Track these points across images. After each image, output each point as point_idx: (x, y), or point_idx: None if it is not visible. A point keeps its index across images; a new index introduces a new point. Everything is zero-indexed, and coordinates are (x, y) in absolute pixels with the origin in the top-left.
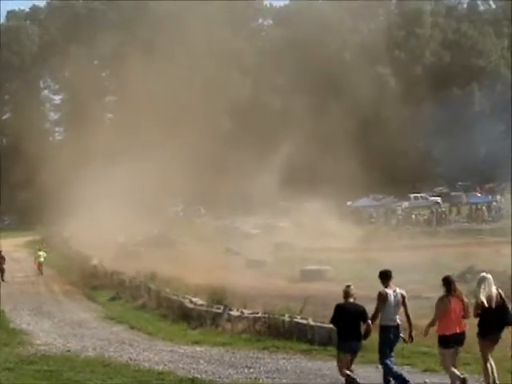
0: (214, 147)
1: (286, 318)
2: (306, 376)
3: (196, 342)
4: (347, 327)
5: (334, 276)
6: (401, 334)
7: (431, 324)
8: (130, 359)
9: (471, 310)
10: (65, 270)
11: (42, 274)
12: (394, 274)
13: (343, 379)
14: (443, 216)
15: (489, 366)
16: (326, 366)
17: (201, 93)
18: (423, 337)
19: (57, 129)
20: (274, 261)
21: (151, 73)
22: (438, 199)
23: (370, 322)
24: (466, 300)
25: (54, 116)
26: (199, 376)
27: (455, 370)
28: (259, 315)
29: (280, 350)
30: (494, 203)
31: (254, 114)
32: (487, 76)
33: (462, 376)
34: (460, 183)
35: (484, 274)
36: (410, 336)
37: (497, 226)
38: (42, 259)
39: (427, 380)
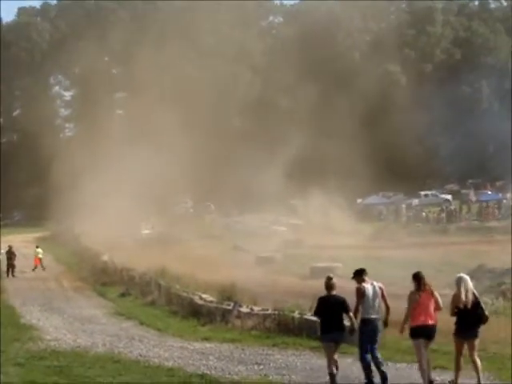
0: (223, 144)
1: (296, 314)
2: (316, 373)
3: (206, 339)
4: (330, 319)
5: (343, 273)
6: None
7: (405, 320)
8: (140, 355)
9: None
10: (75, 266)
11: (44, 269)
12: (402, 272)
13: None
14: (453, 214)
15: (478, 363)
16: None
17: (211, 90)
18: (399, 334)
19: (67, 125)
20: (284, 258)
21: (161, 70)
22: (448, 197)
23: (351, 315)
24: (436, 294)
25: (64, 112)
26: (209, 372)
27: (425, 366)
28: (269, 312)
29: (290, 347)
30: (504, 201)
31: (264, 112)
32: (497, 74)
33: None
34: (470, 181)
35: (461, 274)
36: (385, 322)
37: (507, 223)
38: (40, 256)
39: (437, 378)
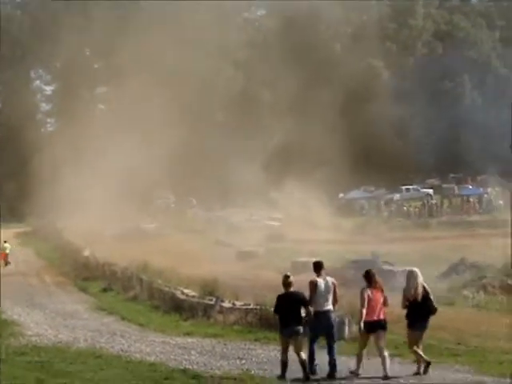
0: (206, 139)
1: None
2: (297, 367)
3: (188, 334)
4: (288, 314)
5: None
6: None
7: (361, 315)
8: (122, 350)
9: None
10: (56, 261)
11: (6, 264)
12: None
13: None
14: (435, 208)
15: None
16: (318, 357)
17: (192, 84)
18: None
19: (48, 120)
20: (266, 252)
21: (142, 65)
22: (430, 191)
23: (310, 308)
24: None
25: (45, 107)
26: (191, 367)
27: (362, 356)
28: (251, 307)
29: (271, 342)
30: (486, 195)
31: (246, 106)
32: (479, 68)
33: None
34: (452, 175)
35: (411, 268)
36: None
37: (488, 218)
38: (7, 251)
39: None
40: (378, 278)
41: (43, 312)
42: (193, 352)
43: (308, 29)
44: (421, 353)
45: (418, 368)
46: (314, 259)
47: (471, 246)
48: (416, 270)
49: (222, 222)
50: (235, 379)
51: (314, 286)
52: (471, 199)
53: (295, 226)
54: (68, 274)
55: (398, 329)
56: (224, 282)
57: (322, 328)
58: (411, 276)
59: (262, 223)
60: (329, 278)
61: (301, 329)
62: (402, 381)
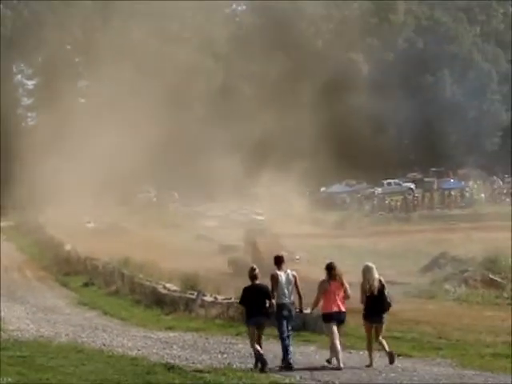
0: (187, 133)
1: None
2: (279, 361)
3: (169, 328)
4: (254, 305)
5: (306, 262)
6: (296, 310)
7: (315, 303)
8: (103, 345)
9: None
10: (38, 256)
11: None
12: (363, 260)
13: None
14: (416, 202)
15: (384, 343)
16: (299, 350)
17: (173, 78)
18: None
19: (29, 114)
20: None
21: (124, 58)
22: (411, 185)
23: (272, 301)
24: (346, 284)
25: (26, 101)
26: (172, 361)
27: (339, 349)
28: (232, 301)
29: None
30: (467, 189)
31: (227, 100)
32: (459, 63)
33: (340, 364)
34: (433, 169)
35: (367, 263)
36: (300, 309)
37: (469, 211)
38: None
39: (399, 365)
40: (339, 271)
41: (24, 307)
42: (174, 346)
43: (289, 24)
44: (385, 344)
45: (371, 362)
46: (300, 253)
47: (452, 240)
48: (372, 265)
49: (203, 216)
50: (217, 373)
51: (275, 279)
52: (452, 193)
53: (276, 221)
54: (49, 268)
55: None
56: (205, 276)
57: (287, 318)
58: (367, 271)
59: (248, 217)
60: (289, 271)
61: (265, 319)
62: (383, 374)
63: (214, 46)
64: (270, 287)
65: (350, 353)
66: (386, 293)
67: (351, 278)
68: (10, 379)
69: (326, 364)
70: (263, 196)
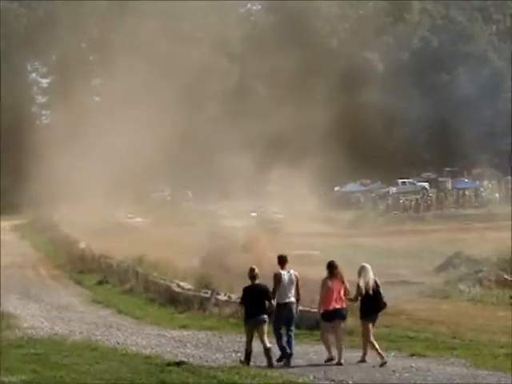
0: (201, 132)
1: (274, 302)
2: (293, 360)
3: (183, 326)
4: (254, 305)
5: (321, 261)
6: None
7: (320, 303)
8: (118, 343)
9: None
10: (52, 254)
11: None
12: (381, 260)
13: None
14: (430, 202)
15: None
16: (313, 349)
17: (188, 77)
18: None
19: (44, 112)
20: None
21: (138, 57)
22: (426, 185)
23: (272, 302)
24: (346, 282)
25: (41, 99)
26: (186, 360)
27: (330, 344)
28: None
29: (267, 335)
30: (481, 189)
31: (241, 99)
32: (474, 61)
33: (331, 354)
34: (447, 168)
35: (364, 264)
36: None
37: (483, 211)
38: None
39: (413, 364)
40: (340, 269)
41: (39, 304)
42: (188, 345)
43: (304, 23)
44: (376, 346)
45: (364, 357)
46: (314, 252)
47: (467, 240)
48: (367, 265)
49: (217, 214)
50: (230, 372)
51: (278, 278)
52: (467, 193)
53: (290, 219)
54: (64, 266)
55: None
56: (219, 275)
57: (285, 318)
58: (363, 271)
59: (267, 216)
60: (292, 271)
61: (265, 318)
62: (397, 374)
63: (228, 45)
64: (270, 287)
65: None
66: (381, 292)
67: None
68: (24, 377)
69: (330, 363)
70: (277, 194)
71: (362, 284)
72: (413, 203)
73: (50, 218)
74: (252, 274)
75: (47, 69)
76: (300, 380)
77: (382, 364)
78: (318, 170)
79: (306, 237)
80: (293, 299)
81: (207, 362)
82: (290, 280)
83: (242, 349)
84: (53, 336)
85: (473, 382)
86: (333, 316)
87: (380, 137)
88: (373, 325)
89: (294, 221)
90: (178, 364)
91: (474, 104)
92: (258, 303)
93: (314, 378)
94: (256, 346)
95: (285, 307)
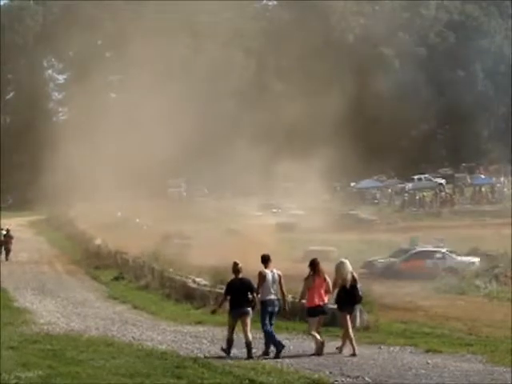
0: (218, 127)
1: (289, 298)
2: (309, 356)
3: (199, 322)
4: (237, 298)
5: (338, 257)
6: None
7: (301, 297)
8: (133, 339)
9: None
10: (68, 250)
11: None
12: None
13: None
14: (446, 198)
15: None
16: (329, 345)
17: (205, 73)
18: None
19: (60, 109)
20: (277, 241)
21: (155, 53)
22: (442, 181)
23: (255, 294)
24: (328, 279)
25: (57, 96)
26: (202, 356)
27: (316, 335)
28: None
29: (283, 331)
30: (498, 185)
31: (258, 95)
32: (491, 57)
33: (321, 340)
34: (464, 164)
35: (342, 259)
36: (284, 308)
37: (500, 207)
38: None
39: (429, 361)
40: (322, 267)
41: (55, 300)
42: (204, 341)
43: (320, 19)
44: (352, 338)
45: (341, 348)
46: (329, 248)
47: (483, 236)
48: (346, 260)
49: (232, 210)
50: (246, 367)
51: (262, 276)
52: (483, 189)
53: (306, 216)
54: (80, 262)
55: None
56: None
57: (269, 313)
58: (341, 266)
59: (287, 213)
60: (275, 270)
61: (249, 310)
62: (413, 370)
63: (244, 40)
64: (255, 283)
65: (380, 348)
66: (358, 287)
67: None
68: (40, 372)
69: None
70: (292, 190)
71: (339, 278)
72: (429, 199)
73: (66, 214)
74: (236, 268)
75: (63, 65)
76: (316, 376)
77: (352, 354)
78: (335, 166)
79: (321, 233)
80: (275, 296)
81: (223, 357)
82: (273, 278)
83: (258, 345)
84: (69, 332)
85: (489, 378)
86: (316, 312)
87: (396, 133)
88: (350, 317)
89: (309, 217)
90: (194, 360)
91: (490, 100)
92: (242, 296)
93: (330, 373)
94: (255, 337)
95: (268, 303)
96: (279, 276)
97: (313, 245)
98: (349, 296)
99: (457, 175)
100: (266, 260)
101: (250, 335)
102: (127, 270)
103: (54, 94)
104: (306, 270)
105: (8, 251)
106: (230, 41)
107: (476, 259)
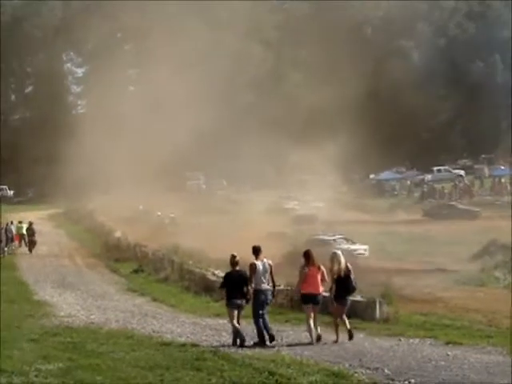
0: (236, 120)
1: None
2: (328, 348)
3: (218, 315)
4: (234, 289)
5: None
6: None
7: (298, 286)
8: (153, 331)
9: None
10: (88, 243)
11: (26, 245)
12: (417, 247)
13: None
14: (466, 189)
15: (347, 321)
16: (343, 337)
17: (223, 65)
18: (296, 296)
19: (79, 102)
20: (295, 233)
21: (173, 46)
22: (462, 172)
23: (250, 287)
24: (322, 268)
25: (76, 89)
26: (221, 348)
27: (312, 324)
28: (281, 288)
29: (302, 323)
30: None
31: (276, 86)
32: (511, 48)
33: (316, 331)
34: (483, 156)
35: (335, 250)
36: (273, 295)
37: None
38: (23, 231)
39: (449, 352)
40: (316, 257)
41: (75, 293)
42: (224, 333)
43: (339, 12)
44: (338, 327)
45: (337, 339)
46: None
47: (503, 228)
48: (339, 252)
49: (251, 203)
50: (266, 360)
51: (253, 268)
52: (503, 180)
53: (326, 208)
54: (99, 255)
55: (435, 309)
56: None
57: (261, 302)
58: (335, 257)
59: (309, 205)
60: (266, 260)
61: (243, 302)
62: (433, 362)
63: (262, 33)
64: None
65: (400, 340)
66: (352, 278)
67: (404, 265)
68: (60, 365)
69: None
70: (311, 182)
71: (334, 268)
72: (448, 191)
73: (85, 207)
74: (233, 261)
75: (82, 59)
76: (335, 368)
77: (334, 341)
78: (353, 157)
79: (342, 225)
80: (267, 286)
81: (242, 350)
82: (265, 269)
83: (277, 337)
84: (89, 324)
85: (509, 370)
86: (308, 299)
87: (415, 125)
88: (343, 306)
89: (329, 209)
90: (214, 352)
91: (509, 91)
92: (238, 287)
93: (350, 365)
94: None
95: (261, 293)
96: (270, 266)
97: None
98: (343, 286)
99: (476, 166)
100: (256, 251)
101: (239, 324)
102: (147, 263)
103: (72, 87)
104: (326, 261)
105: (33, 244)
106: (249, 33)
107: (363, 247)
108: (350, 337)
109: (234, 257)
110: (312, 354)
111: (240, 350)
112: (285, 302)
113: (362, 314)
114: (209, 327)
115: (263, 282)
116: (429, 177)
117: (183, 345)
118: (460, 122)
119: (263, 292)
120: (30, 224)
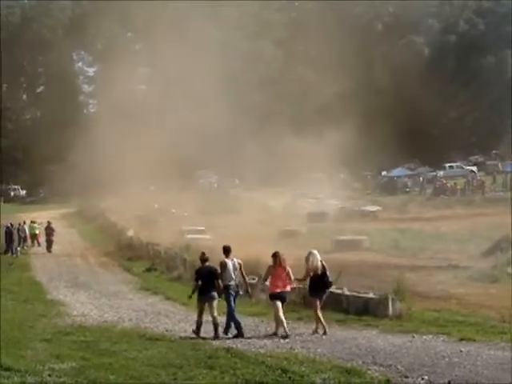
0: (247, 118)
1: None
2: (341, 345)
3: None
4: (205, 284)
5: (369, 246)
6: (240, 292)
7: (263, 279)
8: (166, 330)
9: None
10: (100, 242)
11: (39, 245)
12: (429, 244)
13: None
14: (478, 185)
15: (321, 317)
16: (362, 335)
17: (233, 64)
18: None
19: (90, 101)
20: (308, 231)
21: (184, 45)
22: (474, 168)
23: (219, 281)
24: (288, 268)
25: (87, 88)
26: (234, 346)
27: (283, 319)
28: (294, 286)
29: (315, 320)
30: None
31: (287, 85)
32: None
33: (285, 324)
34: (495, 151)
35: (312, 250)
36: (246, 291)
37: None
38: (37, 231)
39: (463, 349)
40: (283, 258)
41: (88, 292)
42: (235, 331)
43: (349, 8)
44: (321, 318)
45: (316, 329)
46: (361, 237)
47: None
48: (315, 251)
49: (263, 201)
50: (279, 358)
51: (223, 265)
52: None
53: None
54: (112, 254)
55: (448, 305)
56: (266, 262)
57: (231, 295)
58: (311, 255)
59: (323, 203)
60: (235, 259)
61: (215, 295)
62: (446, 359)
63: (273, 31)
64: (219, 271)
65: (413, 337)
66: (327, 274)
67: (415, 262)
68: (73, 363)
69: (273, 335)
70: (322, 180)
71: (309, 267)
72: (460, 187)
73: (97, 207)
74: (203, 257)
75: (93, 58)
76: (348, 365)
77: (323, 333)
78: (365, 155)
79: (351, 223)
80: (234, 282)
81: (255, 347)
82: (234, 266)
83: (290, 334)
84: (102, 323)
85: None
86: (277, 297)
87: (427, 121)
88: (320, 301)
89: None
90: (227, 350)
91: None
92: (209, 282)
93: (363, 362)
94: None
95: (230, 288)
96: (239, 264)
97: (343, 234)
98: (319, 283)
99: (488, 162)
100: (227, 251)
101: (216, 317)
102: (159, 262)
103: (84, 86)
104: (337, 259)
105: (50, 243)
106: (258, 32)
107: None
108: (324, 332)
109: (203, 254)
110: (325, 352)
111: (253, 348)
112: (297, 300)
113: (375, 310)
114: (221, 325)
115: (232, 279)
116: (441, 173)
117: (196, 343)
118: (470, 118)
119: (232, 287)
120: (49, 223)
